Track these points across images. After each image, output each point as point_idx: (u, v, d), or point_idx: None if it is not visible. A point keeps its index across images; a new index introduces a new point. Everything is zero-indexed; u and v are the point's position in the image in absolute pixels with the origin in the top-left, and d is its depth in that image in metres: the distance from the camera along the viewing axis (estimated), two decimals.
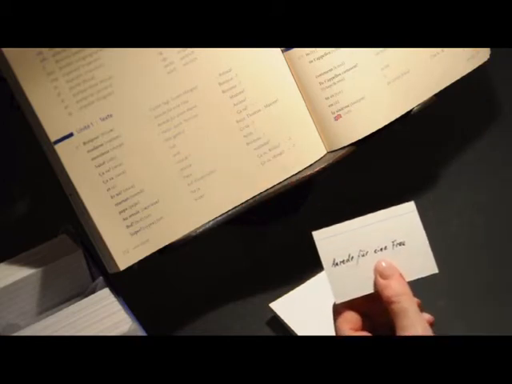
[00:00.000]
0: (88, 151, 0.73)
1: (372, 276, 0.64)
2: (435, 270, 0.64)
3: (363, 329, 0.64)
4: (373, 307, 0.64)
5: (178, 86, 0.76)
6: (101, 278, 0.77)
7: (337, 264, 0.64)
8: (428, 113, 0.86)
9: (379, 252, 0.64)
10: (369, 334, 0.63)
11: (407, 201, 0.65)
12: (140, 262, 0.74)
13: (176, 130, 0.75)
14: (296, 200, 0.93)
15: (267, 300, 0.83)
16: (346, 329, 0.63)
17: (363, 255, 0.64)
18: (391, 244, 0.64)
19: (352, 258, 0.64)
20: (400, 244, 0.64)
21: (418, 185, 0.93)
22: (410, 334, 0.60)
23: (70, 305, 0.74)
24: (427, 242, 0.65)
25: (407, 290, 0.63)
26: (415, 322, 0.61)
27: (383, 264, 0.64)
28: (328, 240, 0.64)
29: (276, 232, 0.91)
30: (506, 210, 0.91)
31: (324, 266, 0.64)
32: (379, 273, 0.63)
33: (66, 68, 0.72)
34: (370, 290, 0.64)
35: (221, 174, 0.77)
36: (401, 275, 0.63)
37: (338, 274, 0.64)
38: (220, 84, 0.77)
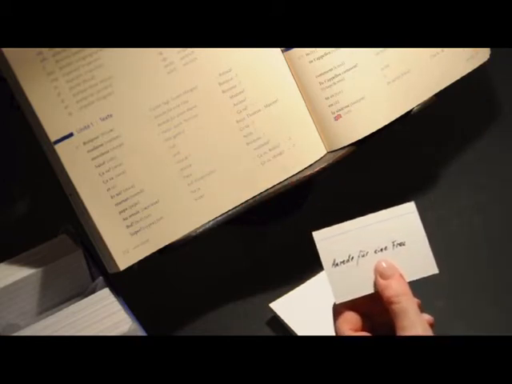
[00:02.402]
0: (88, 151, 0.73)
1: (372, 276, 0.64)
2: (435, 271, 0.65)
3: (363, 329, 0.64)
4: (373, 307, 0.64)
5: (178, 86, 0.76)
6: (101, 278, 0.77)
7: (337, 264, 0.64)
8: (428, 113, 0.86)
9: (379, 252, 0.64)
10: (369, 335, 0.63)
11: (407, 201, 0.65)
12: (140, 261, 0.74)
13: (176, 129, 0.76)
14: (296, 200, 0.93)
15: (267, 300, 0.83)
16: (346, 329, 0.63)
17: (363, 255, 0.64)
18: (391, 244, 0.64)
19: (352, 258, 0.64)
20: (400, 244, 0.64)
21: (418, 185, 0.94)
22: (410, 335, 0.60)
23: (70, 305, 0.74)
24: (427, 243, 0.65)
25: (407, 290, 0.63)
26: (415, 323, 0.61)
27: (383, 264, 0.64)
28: (328, 240, 0.64)
29: (276, 232, 0.91)
30: (505, 210, 0.91)
31: (324, 266, 0.64)
32: (379, 273, 0.63)
33: (66, 68, 0.72)
34: (371, 291, 0.64)
35: (221, 173, 0.77)
36: (401, 275, 0.63)
37: (338, 275, 0.64)
38: (220, 84, 0.77)
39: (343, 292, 0.64)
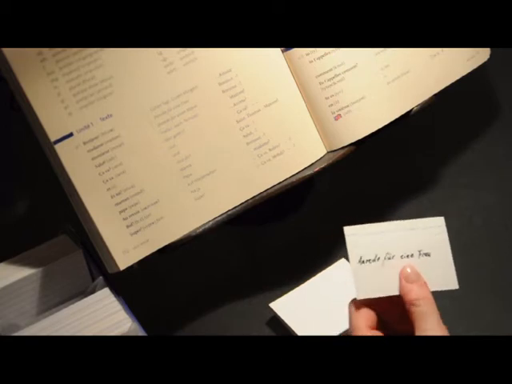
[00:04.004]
0: (88, 151, 0.73)
1: (396, 279, 0.65)
2: (456, 286, 0.67)
3: (378, 329, 0.65)
4: (390, 313, 0.65)
5: (178, 86, 0.76)
6: (101, 277, 0.77)
7: (363, 262, 0.65)
8: (428, 113, 0.86)
9: (405, 258, 0.66)
10: (382, 335, 0.64)
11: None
12: (140, 261, 0.74)
13: (176, 129, 0.76)
14: (296, 200, 0.93)
15: (267, 300, 0.83)
16: (363, 325, 0.64)
17: (389, 258, 0.66)
18: (418, 253, 0.66)
19: (378, 258, 0.65)
20: (426, 254, 0.66)
21: (418, 185, 0.94)
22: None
23: (69, 305, 0.74)
24: (451, 258, 0.67)
25: (431, 296, 0.64)
26: (436, 327, 0.62)
27: (409, 270, 0.65)
28: (358, 237, 0.66)
29: (276, 232, 0.91)
30: (506, 210, 0.91)
31: (350, 261, 0.65)
32: (404, 277, 0.65)
33: (65, 68, 0.72)
34: (395, 293, 0.65)
35: (221, 173, 0.77)
36: (425, 283, 0.64)
37: (362, 272, 0.65)
38: (220, 84, 0.77)
39: (366, 289, 0.65)
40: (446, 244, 0.67)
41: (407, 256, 0.66)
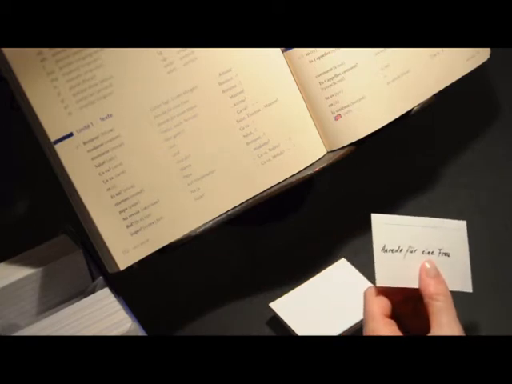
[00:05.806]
0: (88, 151, 0.73)
1: (416, 273, 0.67)
2: (470, 290, 0.69)
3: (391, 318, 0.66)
4: (403, 306, 0.66)
5: (178, 86, 0.76)
6: (101, 277, 0.77)
7: (386, 251, 0.67)
8: (428, 113, 0.86)
9: (426, 254, 0.68)
10: (395, 326, 0.65)
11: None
12: (140, 261, 0.74)
13: (176, 129, 0.76)
14: (296, 200, 0.93)
15: (267, 300, 0.83)
16: (378, 312, 0.65)
17: (411, 251, 0.67)
18: (438, 251, 0.68)
19: (401, 250, 0.67)
20: (445, 254, 0.68)
21: (418, 185, 0.93)
22: (446, 333, 0.61)
23: (69, 305, 0.74)
24: (469, 262, 0.69)
25: (449, 293, 0.65)
26: (453, 323, 0.62)
27: (428, 265, 0.67)
28: (384, 226, 0.67)
29: (276, 232, 0.91)
30: (506, 210, 0.91)
31: (374, 248, 0.67)
32: (425, 271, 0.66)
33: (65, 68, 0.72)
34: (413, 285, 0.66)
35: (221, 173, 0.77)
36: (444, 280, 0.65)
37: (384, 260, 0.67)
38: (220, 84, 0.77)
39: (386, 277, 0.67)
40: (464, 247, 0.69)
41: (428, 252, 0.68)
